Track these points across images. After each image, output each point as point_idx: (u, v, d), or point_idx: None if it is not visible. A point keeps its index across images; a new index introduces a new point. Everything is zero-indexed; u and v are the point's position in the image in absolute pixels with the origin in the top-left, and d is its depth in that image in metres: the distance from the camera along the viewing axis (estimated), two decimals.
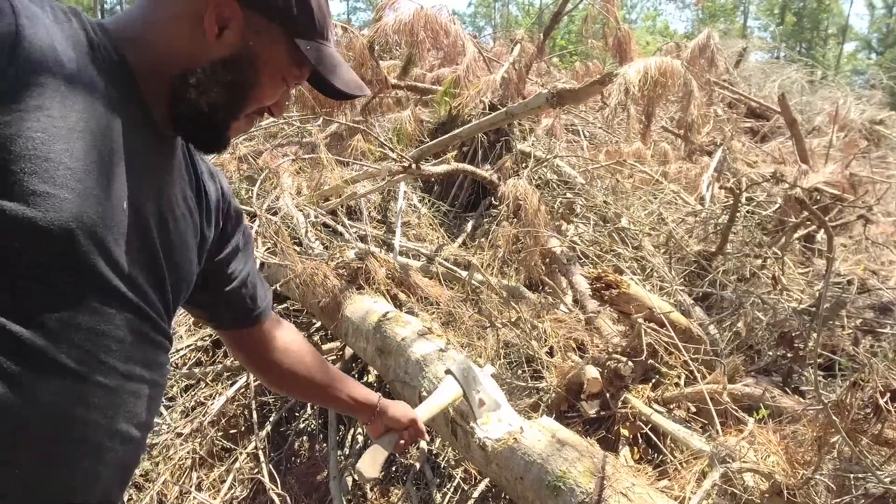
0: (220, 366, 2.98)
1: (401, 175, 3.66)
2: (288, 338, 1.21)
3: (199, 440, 2.69)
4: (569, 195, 4.16)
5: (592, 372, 2.22)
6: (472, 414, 1.66)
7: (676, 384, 2.34)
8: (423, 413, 1.44)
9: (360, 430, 2.70)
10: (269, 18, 0.86)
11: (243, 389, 2.88)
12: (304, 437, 2.88)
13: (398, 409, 1.35)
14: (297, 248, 3.16)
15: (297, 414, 2.94)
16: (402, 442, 1.36)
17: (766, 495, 1.64)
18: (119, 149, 0.79)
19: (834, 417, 1.59)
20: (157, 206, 0.86)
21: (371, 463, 1.30)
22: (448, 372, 1.59)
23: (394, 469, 2.61)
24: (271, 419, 2.82)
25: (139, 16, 0.86)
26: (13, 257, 0.70)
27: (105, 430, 0.80)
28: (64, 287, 0.74)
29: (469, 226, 4.13)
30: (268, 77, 0.89)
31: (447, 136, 3.94)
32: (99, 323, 0.77)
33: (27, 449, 0.73)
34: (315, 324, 3.23)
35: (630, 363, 2.24)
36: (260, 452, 2.59)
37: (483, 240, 3.72)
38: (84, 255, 0.74)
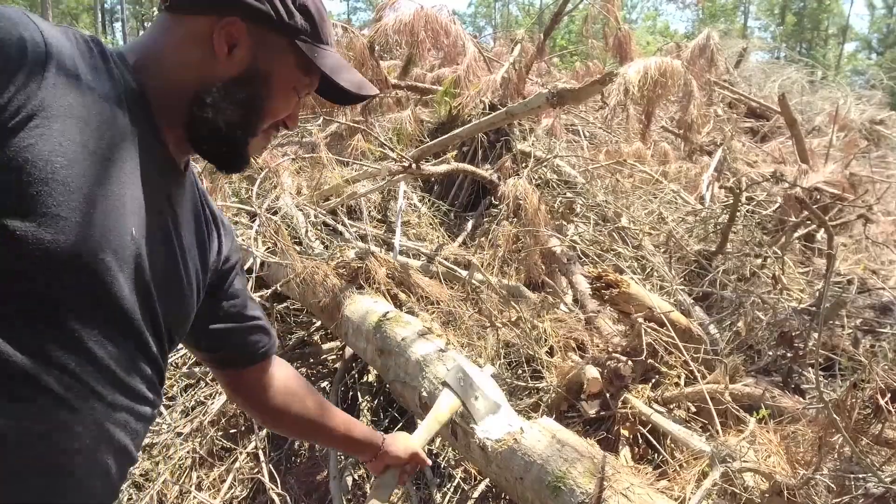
0: None
1: (401, 175, 3.66)
2: (285, 377, 1.19)
3: (199, 440, 2.69)
4: (569, 195, 4.16)
5: (592, 372, 2.22)
6: (473, 420, 1.67)
7: (676, 384, 2.34)
8: (423, 438, 1.45)
9: None
10: (273, 30, 0.87)
11: None
12: None
13: (399, 445, 1.35)
14: (298, 248, 3.16)
15: None
16: (403, 476, 1.37)
17: (767, 495, 1.64)
18: (134, 179, 0.79)
19: (835, 417, 1.59)
20: (165, 234, 0.86)
21: (380, 501, 1.32)
22: (444, 384, 1.59)
23: None
24: None
25: (152, 42, 0.87)
26: (18, 279, 0.70)
27: (87, 460, 0.77)
28: (66, 311, 0.73)
29: (469, 225, 4.13)
30: (279, 89, 0.90)
31: (447, 135, 3.94)
32: (96, 348, 0.75)
33: (7, 475, 0.71)
34: (315, 323, 3.23)
35: (630, 363, 2.24)
36: (260, 452, 2.59)
37: (483, 239, 3.72)
38: (90, 279, 0.73)
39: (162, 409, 2.89)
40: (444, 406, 1.56)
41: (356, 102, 1.02)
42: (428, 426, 1.50)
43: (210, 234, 0.99)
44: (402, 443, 1.36)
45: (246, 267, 3.25)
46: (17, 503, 0.71)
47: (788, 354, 2.62)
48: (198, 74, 0.85)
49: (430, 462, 1.42)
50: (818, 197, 4.18)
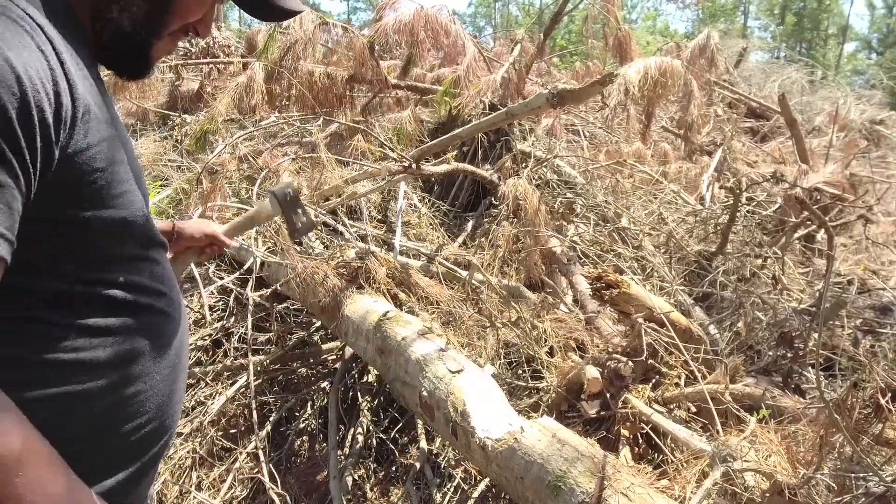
0: (220, 365, 2.98)
1: (401, 175, 3.66)
2: None
3: (199, 440, 2.68)
4: (569, 195, 4.16)
5: (592, 372, 2.21)
6: (290, 233, 1.70)
7: (676, 384, 2.34)
8: (229, 227, 1.54)
9: (359, 430, 2.70)
10: None
11: (243, 389, 2.87)
12: (304, 437, 2.87)
13: (194, 226, 1.42)
14: (298, 248, 3.16)
15: (297, 414, 2.94)
16: (204, 254, 1.46)
17: (767, 495, 1.64)
18: (116, 114, 0.84)
19: (835, 417, 1.59)
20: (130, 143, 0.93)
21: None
22: (271, 192, 1.62)
23: (394, 469, 2.61)
24: (271, 419, 2.82)
25: None
26: (120, 248, 0.84)
27: (185, 351, 0.99)
28: (146, 254, 0.89)
29: (469, 225, 4.13)
30: None
31: (447, 136, 3.94)
32: (163, 270, 0.93)
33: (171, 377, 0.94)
34: (315, 323, 3.23)
35: (630, 363, 2.24)
36: (260, 452, 2.59)
37: (483, 239, 3.72)
38: (150, 224, 0.89)
39: None
40: (262, 210, 1.61)
41: (280, 19, 0.99)
42: (240, 220, 1.59)
43: None
44: (196, 225, 1.43)
45: (246, 267, 3.25)
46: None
47: (788, 354, 2.62)
48: None
49: (232, 243, 1.48)
50: (818, 197, 4.18)
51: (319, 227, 3.63)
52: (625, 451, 2.09)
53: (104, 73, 0.90)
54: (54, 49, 0.72)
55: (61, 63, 0.72)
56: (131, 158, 0.86)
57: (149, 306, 0.89)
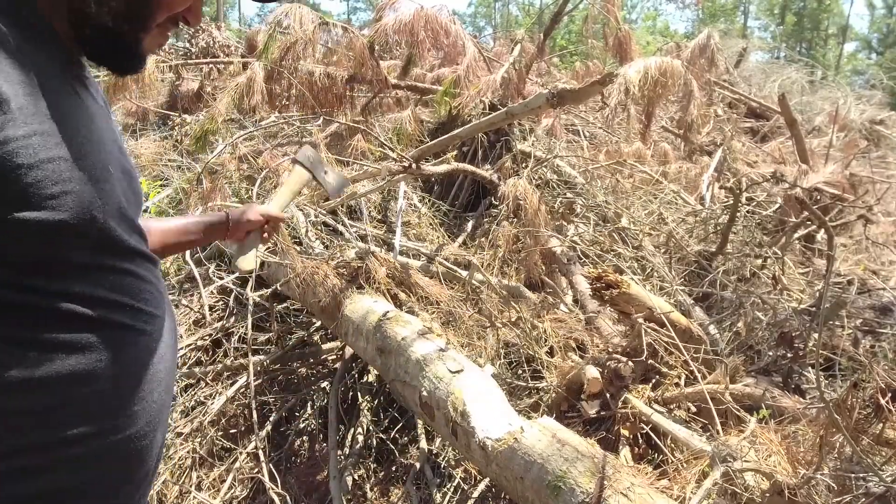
0: (220, 365, 2.98)
1: (401, 175, 3.65)
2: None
3: (199, 440, 2.69)
4: (569, 195, 4.16)
5: (592, 372, 2.21)
6: (325, 190, 1.74)
7: (677, 384, 2.33)
8: (276, 204, 1.57)
9: (359, 430, 2.70)
10: None
11: (243, 389, 2.87)
12: (304, 437, 2.87)
13: (248, 212, 1.42)
14: (298, 248, 3.16)
15: (297, 414, 2.94)
16: (266, 235, 1.47)
17: (767, 495, 1.64)
18: (81, 112, 0.78)
19: (835, 417, 1.59)
20: (117, 144, 0.88)
21: (248, 257, 1.46)
22: (294, 161, 1.67)
23: (394, 469, 2.61)
24: (271, 419, 2.82)
25: None
26: (62, 255, 0.76)
27: (167, 368, 0.90)
28: (103, 262, 0.81)
29: (469, 225, 4.13)
30: None
31: (447, 136, 3.94)
32: (136, 281, 0.85)
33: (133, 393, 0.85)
34: (315, 323, 3.23)
35: (630, 363, 2.24)
36: (260, 452, 2.59)
37: (483, 239, 3.72)
38: (108, 230, 0.80)
39: None
40: (295, 179, 1.65)
41: None
42: (280, 195, 1.62)
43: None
44: (252, 210, 1.43)
45: None
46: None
47: (788, 355, 2.62)
48: None
49: (286, 216, 1.51)
50: (818, 197, 4.18)
51: (319, 227, 3.63)
52: (625, 451, 2.09)
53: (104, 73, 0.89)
54: None
55: None
56: (93, 157, 0.78)
57: (107, 320, 0.81)
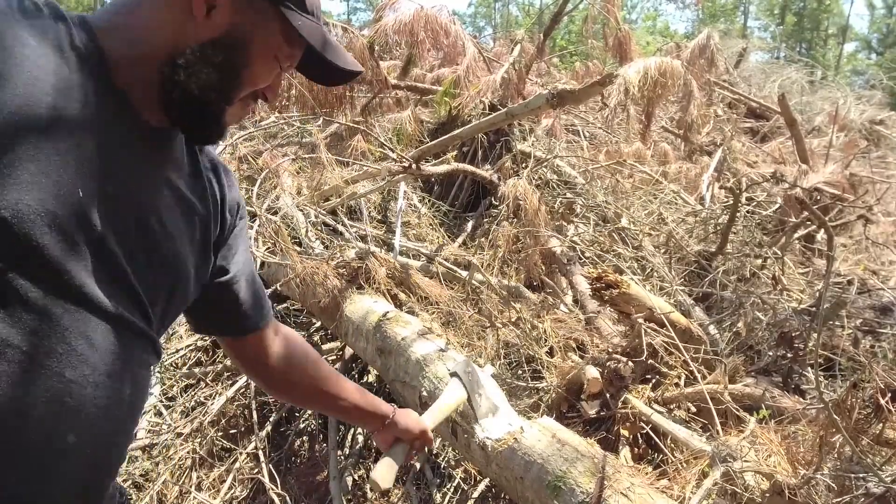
0: (220, 366, 2.98)
1: (401, 175, 3.66)
2: (289, 345, 1.16)
3: (199, 440, 2.69)
4: (569, 195, 4.16)
5: (592, 372, 2.21)
6: (475, 417, 1.65)
7: (676, 384, 2.34)
8: (432, 420, 1.42)
9: (359, 430, 2.70)
10: None
11: (243, 389, 2.87)
12: (304, 437, 2.88)
13: (409, 419, 1.30)
14: (298, 248, 3.16)
15: (297, 414, 2.94)
16: (414, 452, 1.33)
17: (767, 495, 1.64)
18: (87, 143, 0.75)
19: (835, 417, 1.59)
20: (139, 201, 0.83)
21: (386, 474, 1.26)
22: (453, 374, 1.56)
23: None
24: (271, 419, 2.82)
25: (122, 4, 0.83)
26: None
27: (46, 437, 0.72)
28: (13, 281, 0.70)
29: (469, 226, 4.13)
30: (259, 56, 0.86)
31: (447, 136, 3.94)
32: (44, 323, 0.72)
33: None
34: (315, 324, 3.23)
35: (630, 363, 2.24)
36: (260, 452, 2.59)
37: (483, 240, 3.72)
38: (32, 246, 0.69)
39: (162, 409, 2.89)
40: (452, 396, 1.52)
41: (341, 82, 0.98)
42: (436, 412, 1.46)
43: (208, 197, 0.95)
44: (413, 418, 1.31)
45: None
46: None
47: (788, 355, 2.62)
48: (171, 36, 0.81)
49: (435, 444, 1.40)
50: (818, 197, 4.18)
51: (319, 227, 3.63)
52: (625, 451, 2.09)
53: None
54: None
55: None
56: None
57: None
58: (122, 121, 0.81)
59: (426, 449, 1.38)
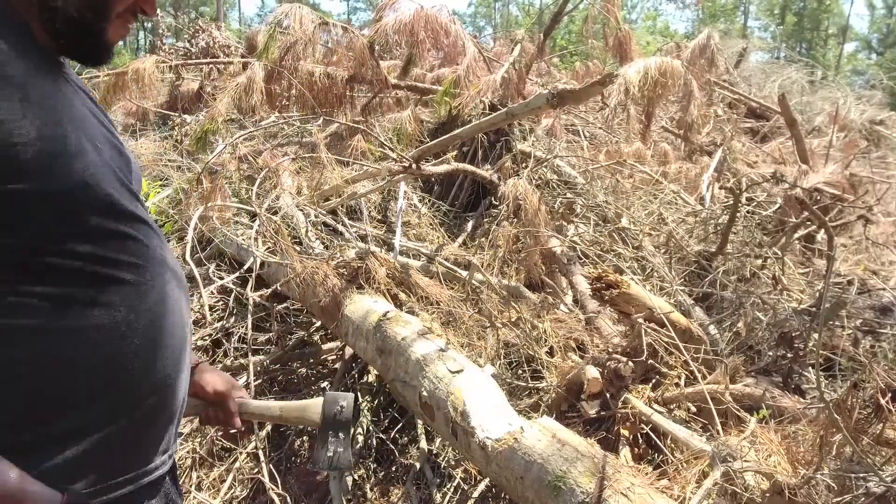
0: (220, 365, 2.97)
1: (401, 175, 3.66)
2: None
3: (199, 440, 2.69)
4: (569, 195, 4.16)
5: (592, 372, 2.21)
6: (312, 458, 1.37)
7: (677, 384, 2.34)
8: (250, 404, 1.28)
9: (359, 430, 2.70)
10: None
11: None
12: (304, 437, 2.87)
13: (212, 377, 1.23)
14: (298, 248, 3.16)
15: None
16: (209, 417, 1.25)
17: (768, 495, 1.64)
18: (59, 96, 0.85)
19: (836, 417, 1.59)
20: (98, 120, 0.94)
21: None
22: (324, 397, 1.33)
23: (394, 469, 2.61)
24: None
25: None
26: (69, 222, 0.84)
27: (172, 322, 0.96)
28: (107, 226, 0.88)
29: (469, 226, 4.13)
30: None
31: (447, 136, 3.94)
32: (135, 244, 0.92)
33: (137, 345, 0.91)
34: (315, 323, 3.23)
35: (630, 363, 2.24)
36: (260, 452, 2.59)
37: (483, 240, 3.72)
38: (107, 197, 0.87)
39: None
40: (305, 412, 1.33)
41: None
42: (269, 406, 1.34)
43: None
44: (216, 378, 1.23)
45: (246, 266, 3.25)
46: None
47: (788, 355, 2.62)
48: None
49: (237, 424, 1.25)
50: (818, 197, 4.18)
51: (319, 227, 3.63)
52: (625, 451, 2.09)
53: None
54: None
55: None
56: (79, 133, 0.86)
57: (116, 277, 0.89)
58: (54, 64, 0.89)
59: (228, 427, 1.26)
